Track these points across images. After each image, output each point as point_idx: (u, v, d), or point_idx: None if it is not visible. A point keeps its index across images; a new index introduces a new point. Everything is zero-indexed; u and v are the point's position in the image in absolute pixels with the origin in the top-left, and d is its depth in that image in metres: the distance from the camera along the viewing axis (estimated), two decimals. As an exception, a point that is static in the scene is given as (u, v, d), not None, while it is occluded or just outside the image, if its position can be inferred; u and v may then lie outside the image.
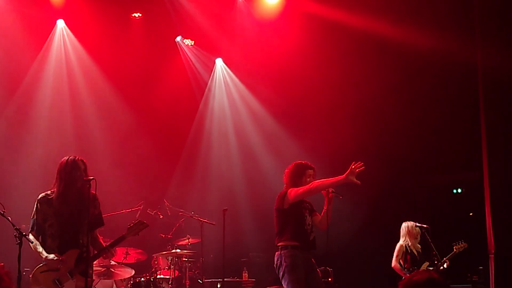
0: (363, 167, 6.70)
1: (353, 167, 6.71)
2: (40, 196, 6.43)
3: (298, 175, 7.32)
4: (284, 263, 7.02)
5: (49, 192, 6.44)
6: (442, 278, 3.34)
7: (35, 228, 6.33)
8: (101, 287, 9.34)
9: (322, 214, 7.23)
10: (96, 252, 6.50)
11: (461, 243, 9.30)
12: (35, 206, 6.40)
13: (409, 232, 9.46)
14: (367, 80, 11.90)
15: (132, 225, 6.52)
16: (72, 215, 6.33)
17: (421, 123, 11.93)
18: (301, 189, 7.07)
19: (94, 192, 6.43)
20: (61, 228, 6.31)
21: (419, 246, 9.47)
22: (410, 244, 9.40)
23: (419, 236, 9.45)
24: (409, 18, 11.23)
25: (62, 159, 6.48)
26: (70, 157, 6.45)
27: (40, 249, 6.25)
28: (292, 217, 7.15)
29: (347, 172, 6.72)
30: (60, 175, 6.41)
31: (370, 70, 11.84)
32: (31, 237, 6.26)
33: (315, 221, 7.28)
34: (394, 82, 11.78)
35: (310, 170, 7.36)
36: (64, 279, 6.22)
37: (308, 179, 7.25)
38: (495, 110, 10.66)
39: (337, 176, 6.84)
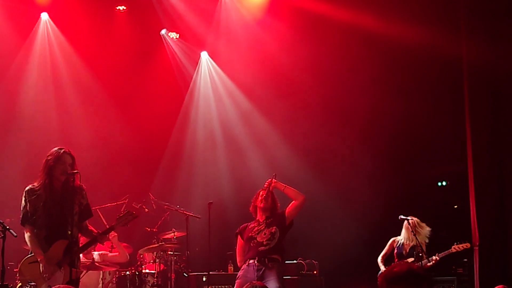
0: None
1: None
2: (27, 188, 6.35)
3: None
4: None
5: (35, 184, 6.35)
6: (422, 270, 3.35)
7: (29, 220, 6.25)
8: (87, 280, 9.30)
9: None
10: (89, 239, 6.48)
11: (463, 242, 9.30)
12: (23, 198, 6.32)
13: (407, 228, 9.40)
14: (352, 73, 11.90)
15: (121, 215, 6.49)
16: (60, 206, 6.27)
17: (406, 116, 11.93)
18: None
19: (80, 184, 6.38)
20: (48, 219, 6.24)
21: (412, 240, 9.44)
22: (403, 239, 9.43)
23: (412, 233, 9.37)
24: (394, 11, 11.22)
25: (50, 151, 6.39)
26: (57, 150, 6.36)
27: (37, 247, 6.17)
28: None
29: None
30: (45, 168, 6.33)
31: (355, 63, 11.84)
32: (26, 233, 6.22)
33: None
34: (379, 76, 11.79)
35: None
36: None
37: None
38: (480, 104, 10.70)
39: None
